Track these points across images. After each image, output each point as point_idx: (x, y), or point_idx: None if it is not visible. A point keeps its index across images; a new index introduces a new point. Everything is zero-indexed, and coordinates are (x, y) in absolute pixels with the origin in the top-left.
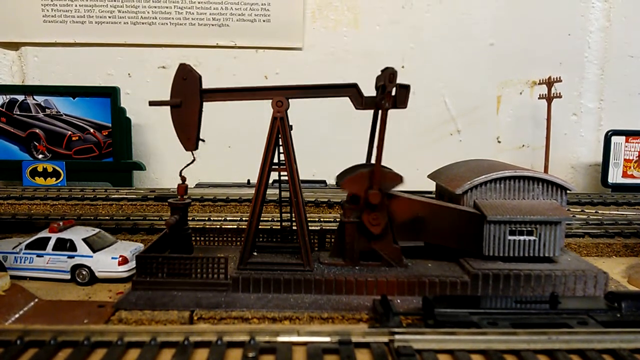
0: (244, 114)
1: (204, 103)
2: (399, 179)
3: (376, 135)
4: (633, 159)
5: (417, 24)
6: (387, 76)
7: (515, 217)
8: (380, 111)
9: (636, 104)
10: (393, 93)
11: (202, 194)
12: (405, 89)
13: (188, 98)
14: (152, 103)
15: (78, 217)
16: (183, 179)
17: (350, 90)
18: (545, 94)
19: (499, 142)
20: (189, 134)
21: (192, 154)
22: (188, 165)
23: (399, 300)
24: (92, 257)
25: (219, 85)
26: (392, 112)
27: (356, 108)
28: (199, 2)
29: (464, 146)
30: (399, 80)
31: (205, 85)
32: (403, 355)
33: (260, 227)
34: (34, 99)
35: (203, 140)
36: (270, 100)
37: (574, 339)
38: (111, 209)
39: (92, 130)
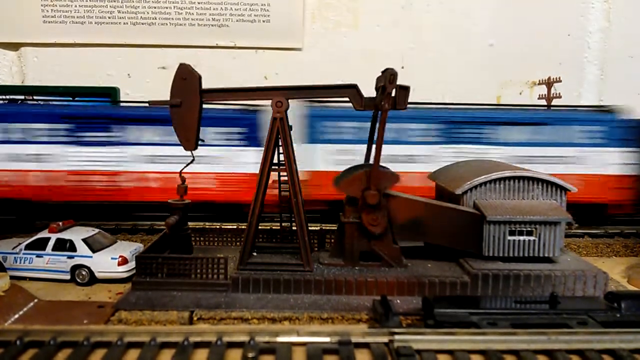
0: None
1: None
2: (395, 178)
3: (375, 135)
4: None
5: (417, 25)
6: (388, 77)
7: (515, 217)
8: (380, 112)
9: (636, 105)
10: (393, 94)
11: None
12: (405, 90)
13: (188, 98)
14: (152, 103)
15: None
16: (183, 179)
17: (349, 91)
18: (545, 94)
19: None
20: (189, 134)
21: (192, 154)
22: (188, 165)
23: (398, 301)
24: (91, 257)
25: (218, 86)
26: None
27: (356, 109)
28: (198, 3)
29: None
30: (399, 79)
31: (205, 86)
32: (403, 356)
33: (260, 227)
34: (33, 99)
35: (202, 141)
36: (270, 101)
37: (574, 339)
38: None
39: None
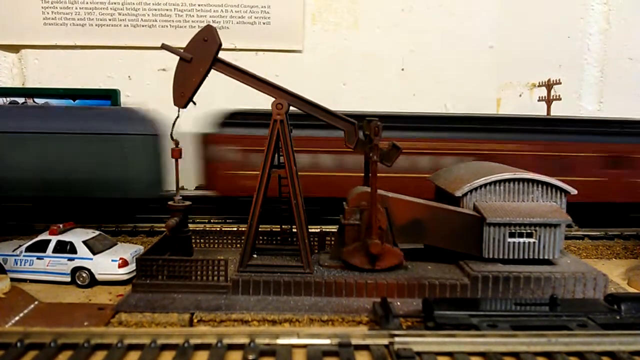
0: None
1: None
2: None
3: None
4: None
5: (416, 27)
6: (372, 129)
7: (515, 219)
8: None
9: (636, 106)
10: (385, 145)
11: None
12: (397, 150)
13: (200, 58)
14: (164, 46)
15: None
16: (176, 142)
17: (348, 126)
18: (545, 96)
19: None
20: (185, 91)
21: (178, 111)
22: (175, 123)
23: (398, 303)
24: (92, 259)
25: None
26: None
27: (345, 145)
28: (199, 5)
29: None
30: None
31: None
32: (403, 358)
33: (260, 229)
34: (34, 101)
35: (194, 103)
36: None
37: (574, 341)
38: None
39: None
